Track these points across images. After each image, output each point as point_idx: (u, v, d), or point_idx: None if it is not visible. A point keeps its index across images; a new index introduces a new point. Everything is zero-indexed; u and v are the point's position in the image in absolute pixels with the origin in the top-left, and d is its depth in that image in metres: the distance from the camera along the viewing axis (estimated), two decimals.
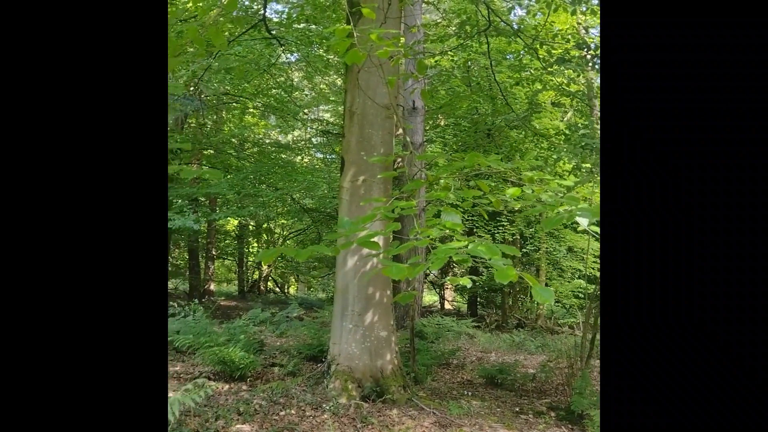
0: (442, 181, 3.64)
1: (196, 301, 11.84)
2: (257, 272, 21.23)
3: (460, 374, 7.71)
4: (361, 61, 2.84)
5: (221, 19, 7.02)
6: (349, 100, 6.42)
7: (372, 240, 2.97)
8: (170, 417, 2.88)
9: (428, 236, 2.90)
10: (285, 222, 20.13)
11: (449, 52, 11.47)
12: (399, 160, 8.53)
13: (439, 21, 12.83)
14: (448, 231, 3.04)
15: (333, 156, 17.13)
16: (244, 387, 6.03)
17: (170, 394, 5.47)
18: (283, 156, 16.18)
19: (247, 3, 9.46)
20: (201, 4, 3.19)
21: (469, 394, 6.43)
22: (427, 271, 14.95)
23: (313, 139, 17.44)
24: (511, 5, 9.49)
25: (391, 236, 6.44)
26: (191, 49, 3.70)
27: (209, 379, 6.35)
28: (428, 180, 3.66)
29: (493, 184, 3.38)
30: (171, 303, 10.29)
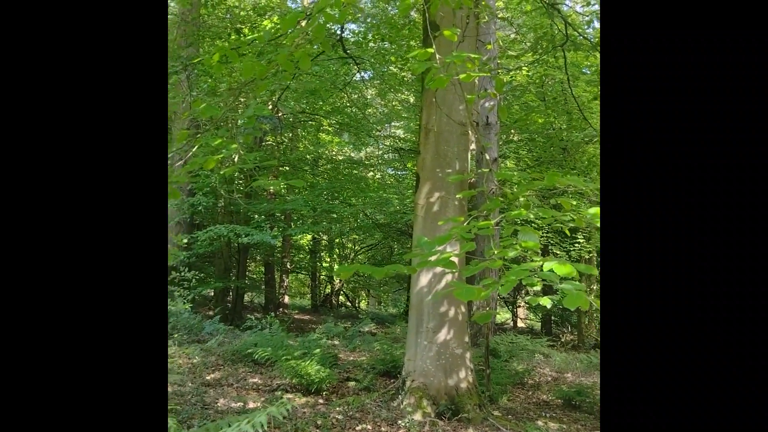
0: (521, 199, 3.61)
1: (273, 314, 12.15)
2: (329, 286, 21.53)
3: (535, 395, 7.54)
4: (445, 85, 2.87)
5: (300, 41, 7.24)
6: (424, 117, 6.47)
7: (449, 260, 2.97)
8: (259, 429, 2.99)
9: (503, 257, 2.88)
10: (357, 237, 20.36)
11: (524, 67, 11.36)
12: (472, 178, 8.51)
13: (514, 36, 12.75)
14: (528, 252, 3.00)
15: (404, 172, 17.24)
16: (321, 400, 6.13)
17: (250, 405, 5.63)
18: (355, 172, 16.43)
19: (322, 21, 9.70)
20: (290, 35, 3.32)
21: (547, 415, 6.28)
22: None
23: (385, 155, 17.62)
24: (588, 18, 9.33)
25: (464, 255, 6.41)
26: (272, 71, 3.82)
27: (286, 391, 6.50)
28: (508, 199, 3.64)
29: (574, 202, 3.33)
30: (249, 316, 10.61)
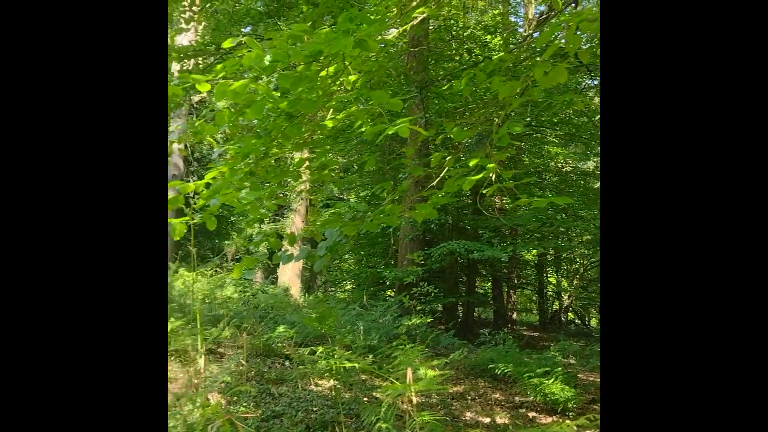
0: None
1: (504, 329, 12.11)
2: (557, 302, 20.84)
3: None
4: None
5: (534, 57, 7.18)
6: None
7: None
8: None
9: None
10: (585, 251, 19.45)
11: None
12: None
13: None
14: None
15: None
16: (568, 422, 5.91)
17: (497, 420, 5.64)
18: (583, 183, 15.75)
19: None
20: (547, 49, 3.32)
21: None
22: None
23: None
24: None
25: None
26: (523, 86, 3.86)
27: (530, 409, 6.40)
28: None
29: None
30: (481, 331, 10.69)
